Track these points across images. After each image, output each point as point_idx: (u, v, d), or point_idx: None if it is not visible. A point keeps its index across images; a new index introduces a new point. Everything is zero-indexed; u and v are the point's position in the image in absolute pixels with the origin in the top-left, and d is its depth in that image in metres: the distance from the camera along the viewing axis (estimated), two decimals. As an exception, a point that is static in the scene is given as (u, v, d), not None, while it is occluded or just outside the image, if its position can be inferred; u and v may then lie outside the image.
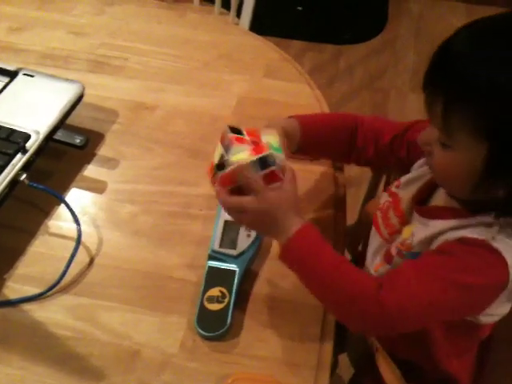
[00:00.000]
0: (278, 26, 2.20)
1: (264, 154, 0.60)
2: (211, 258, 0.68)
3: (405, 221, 0.68)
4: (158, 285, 0.68)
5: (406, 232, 0.66)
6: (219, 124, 0.86)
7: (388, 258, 0.67)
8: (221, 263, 0.68)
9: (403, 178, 0.71)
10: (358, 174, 1.62)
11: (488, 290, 0.57)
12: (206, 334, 0.62)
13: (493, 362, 0.76)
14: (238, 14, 1.33)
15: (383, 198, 0.73)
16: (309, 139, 0.72)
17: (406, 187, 0.70)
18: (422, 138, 0.60)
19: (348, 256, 0.89)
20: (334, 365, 0.63)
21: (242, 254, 0.68)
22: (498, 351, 0.75)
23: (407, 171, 0.71)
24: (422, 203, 0.67)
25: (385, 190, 0.76)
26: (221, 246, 0.69)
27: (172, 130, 0.86)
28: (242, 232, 0.70)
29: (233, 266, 0.67)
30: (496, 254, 0.55)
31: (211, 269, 0.68)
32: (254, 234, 0.70)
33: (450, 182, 0.61)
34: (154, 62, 0.96)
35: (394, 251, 0.66)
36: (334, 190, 0.78)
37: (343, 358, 0.89)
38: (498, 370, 0.77)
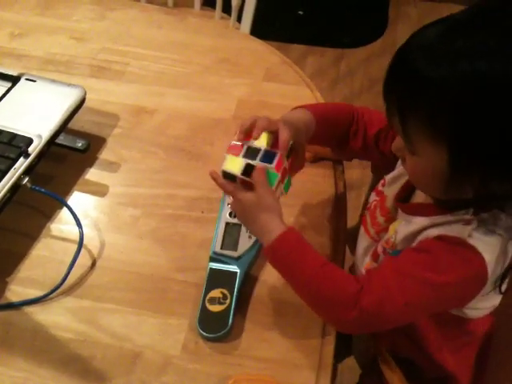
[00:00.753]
0: (278, 31, 2.20)
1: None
2: (213, 259, 0.69)
3: (390, 218, 0.68)
4: (159, 287, 0.68)
5: (391, 229, 0.66)
6: (219, 127, 0.87)
7: (375, 257, 0.68)
8: (222, 265, 0.68)
9: (388, 176, 0.72)
10: (359, 178, 1.63)
11: (464, 286, 0.57)
12: (208, 335, 0.63)
13: (494, 362, 0.76)
14: (239, 18, 1.34)
15: (371, 198, 0.74)
16: (321, 129, 0.71)
17: (390, 185, 0.70)
18: (394, 144, 0.61)
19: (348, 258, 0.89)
20: (334, 373, 0.64)
21: (243, 255, 0.69)
22: (498, 351, 0.75)
23: (392, 169, 0.71)
24: (405, 200, 0.67)
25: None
26: (222, 247, 0.69)
27: (173, 133, 0.86)
28: (244, 234, 0.70)
29: (234, 268, 0.68)
30: (472, 250, 0.55)
31: (213, 271, 0.68)
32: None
33: (423, 185, 0.62)
34: (155, 67, 0.97)
35: (380, 249, 0.67)
36: (334, 192, 0.79)
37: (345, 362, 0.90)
38: (500, 371, 0.77)
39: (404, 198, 0.68)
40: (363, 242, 0.73)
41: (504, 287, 0.60)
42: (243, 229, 0.71)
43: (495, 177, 0.53)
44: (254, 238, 0.70)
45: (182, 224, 0.75)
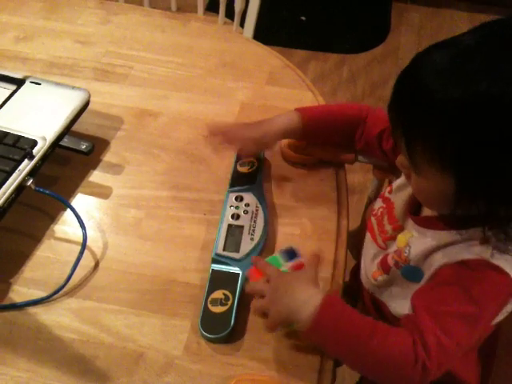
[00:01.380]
0: (281, 36, 2.22)
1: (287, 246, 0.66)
2: (215, 261, 0.69)
3: (398, 227, 0.68)
4: (162, 288, 0.69)
5: (401, 240, 0.66)
6: (223, 130, 0.87)
7: (385, 268, 0.68)
8: (224, 266, 0.68)
9: (395, 184, 0.71)
10: (361, 182, 1.63)
11: (501, 307, 0.58)
12: (210, 336, 0.63)
13: (502, 360, 0.76)
14: (242, 24, 1.35)
15: (377, 204, 0.74)
16: (310, 130, 0.76)
17: (397, 192, 0.70)
18: (398, 160, 0.61)
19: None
20: (334, 375, 0.64)
21: (245, 257, 0.69)
22: (504, 355, 0.75)
23: (394, 167, 0.72)
24: (415, 210, 0.67)
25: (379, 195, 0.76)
26: (224, 249, 0.70)
27: (176, 136, 0.87)
28: (246, 235, 0.71)
29: (236, 269, 0.68)
30: (498, 270, 0.55)
31: (215, 272, 0.68)
32: (257, 237, 0.71)
33: (428, 203, 0.62)
34: (159, 70, 0.98)
35: (390, 261, 0.66)
36: (336, 196, 0.79)
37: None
38: (506, 373, 0.77)
39: (415, 209, 0.67)
40: (370, 249, 0.73)
41: None
42: (245, 231, 0.71)
43: (501, 201, 0.53)
44: (255, 240, 0.71)
45: (184, 226, 0.75)
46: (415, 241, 0.63)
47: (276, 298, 0.60)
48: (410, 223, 0.66)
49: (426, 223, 0.63)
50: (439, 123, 0.51)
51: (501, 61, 0.50)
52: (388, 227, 0.69)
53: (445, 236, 0.59)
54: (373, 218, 0.73)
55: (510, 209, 0.53)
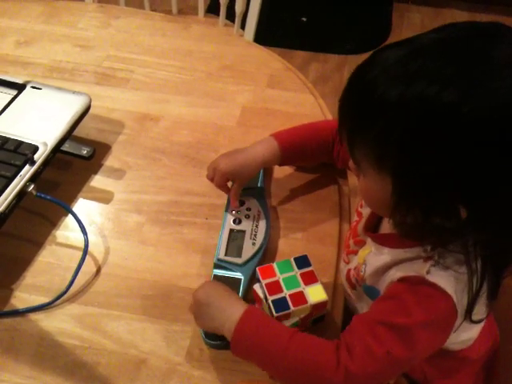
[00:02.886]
0: (282, 37, 2.21)
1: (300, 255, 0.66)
2: (217, 266, 0.69)
3: (359, 242, 0.68)
4: (164, 294, 0.69)
5: (360, 256, 0.66)
6: (224, 133, 0.87)
7: (350, 284, 0.68)
8: (226, 271, 0.68)
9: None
10: (363, 183, 1.63)
11: (436, 322, 0.56)
12: (212, 342, 0.63)
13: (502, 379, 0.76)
14: (243, 25, 1.34)
15: (353, 218, 0.74)
16: (288, 157, 0.76)
17: (365, 207, 0.70)
18: (350, 163, 0.60)
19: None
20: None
21: (247, 262, 0.69)
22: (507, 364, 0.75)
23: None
24: (375, 226, 0.67)
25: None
26: (226, 254, 0.69)
27: (177, 140, 0.87)
28: (248, 240, 0.71)
29: (238, 275, 0.68)
30: (433, 287, 0.54)
31: (217, 277, 0.68)
32: (259, 242, 0.70)
33: (371, 205, 0.63)
34: (159, 74, 0.97)
35: (352, 278, 0.67)
36: (338, 199, 0.79)
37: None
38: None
39: (374, 226, 0.67)
40: (341, 260, 0.72)
41: (476, 317, 0.58)
42: (247, 235, 0.71)
43: (435, 211, 0.52)
44: (257, 245, 0.70)
45: (186, 230, 0.75)
46: (371, 258, 0.63)
47: (199, 311, 0.62)
48: (369, 239, 0.66)
49: (382, 240, 0.63)
50: (376, 121, 0.50)
51: (445, 62, 0.48)
52: (351, 241, 0.70)
53: (398, 253, 0.59)
54: (349, 231, 0.73)
55: (445, 219, 0.51)
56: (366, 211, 0.69)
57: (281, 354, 0.56)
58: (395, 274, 0.58)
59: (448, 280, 0.55)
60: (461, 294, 0.55)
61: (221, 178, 0.73)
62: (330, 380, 0.55)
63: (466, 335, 0.65)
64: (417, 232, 0.55)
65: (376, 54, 0.53)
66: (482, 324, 0.65)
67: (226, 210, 0.74)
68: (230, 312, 0.59)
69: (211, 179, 0.74)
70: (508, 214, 0.51)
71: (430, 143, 0.48)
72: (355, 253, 0.67)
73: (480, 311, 0.59)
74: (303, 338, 0.57)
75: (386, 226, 0.65)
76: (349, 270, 0.68)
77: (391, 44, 0.53)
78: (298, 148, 0.76)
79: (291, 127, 0.78)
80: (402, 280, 0.57)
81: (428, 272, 0.55)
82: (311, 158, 0.78)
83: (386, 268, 0.60)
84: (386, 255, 0.61)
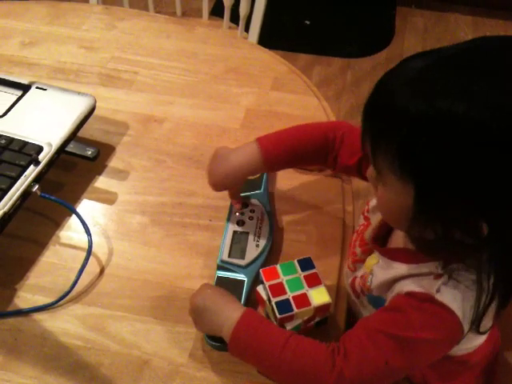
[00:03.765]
0: (285, 40, 2.22)
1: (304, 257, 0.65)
2: (220, 268, 0.69)
3: (367, 250, 0.67)
4: (167, 295, 0.69)
5: (368, 265, 0.65)
6: (227, 136, 0.87)
7: (354, 292, 0.67)
8: (230, 273, 0.68)
9: (371, 203, 0.70)
10: (366, 185, 1.62)
11: (440, 341, 0.56)
12: (215, 343, 0.63)
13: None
14: (247, 28, 1.35)
15: (360, 220, 0.73)
16: (275, 161, 0.72)
17: (374, 212, 0.69)
18: (368, 172, 0.60)
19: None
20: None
21: (250, 264, 0.69)
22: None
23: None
24: (383, 238, 0.66)
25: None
26: (230, 256, 0.69)
27: (181, 142, 0.87)
28: (251, 242, 0.71)
29: (241, 276, 0.68)
30: (441, 306, 0.54)
31: (220, 279, 0.68)
32: (262, 244, 0.71)
33: (388, 217, 0.61)
34: (164, 76, 0.98)
35: (358, 287, 0.66)
36: (341, 202, 0.79)
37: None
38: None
39: (382, 237, 0.67)
40: (345, 266, 0.72)
41: (483, 328, 0.58)
42: (250, 237, 0.71)
43: (457, 225, 0.51)
44: (261, 247, 0.70)
45: (189, 232, 0.75)
46: (378, 270, 0.63)
47: (197, 316, 0.62)
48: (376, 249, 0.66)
49: (392, 255, 0.62)
50: (400, 131, 0.50)
51: (472, 76, 0.48)
52: (358, 249, 0.69)
53: (408, 268, 0.58)
54: (355, 235, 0.72)
55: (465, 235, 0.51)
56: (374, 218, 0.68)
57: (277, 357, 0.57)
58: (403, 287, 0.58)
59: (457, 299, 0.54)
60: (469, 311, 0.55)
61: (214, 190, 0.73)
62: (325, 383, 0.55)
63: (470, 344, 0.65)
64: (434, 247, 0.55)
65: (403, 63, 0.52)
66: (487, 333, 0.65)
67: (228, 220, 0.74)
68: (227, 315, 0.60)
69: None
70: None
71: (455, 157, 0.48)
72: (362, 261, 0.67)
73: (487, 322, 0.58)
74: (299, 342, 0.57)
75: (396, 239, 0.65)
76: (354, 278, 0.67)
77: (419, 53, 0.53)
78: (283, 154, 0.71)
79: (280, 130, 0.74)
80: (409, 294, 0.56)
81: (438, 291, 0.54)
82: (301, 162, 0.77)
83: (394, 281, 0.59)
84: (394, 270, 0.60)
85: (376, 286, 0.62)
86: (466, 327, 0.55)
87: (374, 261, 0.64)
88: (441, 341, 0.56)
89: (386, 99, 0.52)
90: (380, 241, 0.67)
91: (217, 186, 0.73)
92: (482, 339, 0.66)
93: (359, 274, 0.67)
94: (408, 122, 0.49)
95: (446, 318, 0.54)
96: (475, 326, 0.56)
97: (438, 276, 0.55)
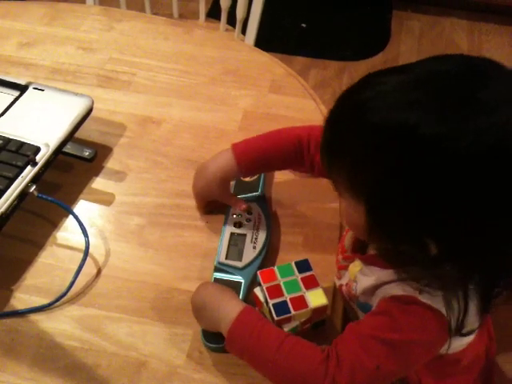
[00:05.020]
0: (282, 43, 2.22)
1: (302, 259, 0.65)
2: (217, 269, 0.69)
3: (348, 258, 0.67)
4: (164, 296, 0.69)
5: (352, 272, 0.65)
6: (225, 138, 0.87)
7: (345, 299, 0.68)
8: (227, 275, 0.68)
9: None
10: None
11: (430, 341, 0.57)
12: (212, 345, 0.63)
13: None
14: (244, 30, 1.35)
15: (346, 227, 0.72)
16: (249, 166, 0.72)
17: None
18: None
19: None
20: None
21: (247, 265, 0.69)
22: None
23: None
24: (362, 245, 0.66)
25: None
26: (227, 257, 0.70)
27: (179, 143, 0.87)
28: (248, 244, 0.71)
29: (239, 278, 0.68)
30: (426, 306, 0.54)
31: (217, 280, 0.68)
32: (259, 246, 0.71)
33: (350, 227, 0.62)
34: (161, 77, 0.98)
35: (346, 295, 0.66)
36: (338, 204, 0.78)
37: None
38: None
39: (361, 245, 0.67)
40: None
41: (466, 329, 0.58)
42: (248, 239, 0.71)
43: (406, 243, 0.52)
44: (258, 249, 0.71)
45: (187, 233, 0.75)
46: (361, 277, 0.63)
47: (197, 315, 0.63)
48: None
49: (372, 261, 0.62)
50: (354, 146, 0.50)
51: (432, 97, 0.47)
52: (339, 257, 0.69)
53: (388, 274, 0.58)
54: (341, 241, 0.72)
55: (416, 252, 0.52)
56: None
57: (270, 358, 0.57)
58: (386, 291, 0.58)
59: (440, 300, 0.54)
60: (450, 313, 0.55)
61: (199, 203, 0.76)
62: None
63: (460, 342, 0.65)
64: (391, 258, 0.56)
65: (370, 78, 0.52)
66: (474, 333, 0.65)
67: (225, 222, 0.74)
68: (226, 311, 0.60)
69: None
70: (489, 247, 0.51)
71: (404, 175, 0.48)
72: (346, 268, 0.67)
73: (471, 323, 0.58)
74: (294, 345, 0.57)
75: (373, 246, 0.65)
76: (340, 286, 0.68)
77: (387, 69, 0.52)
78: (257, 159, 0.72)
79: (254, 136, 0.74)
80: (393, 298, 0.57)
81: (420, 292, 0.55)
82: (276, 167, 0.77)
83: (377, 287, 0.60)
84: (376, 275, 0.60)
85: (360, 292, 0.63)
86: (453, 326, 0.55)
87: (357, 268, 0.64)
88: (429, 341, 0.57)
89: (347, 114, 0.52)
90: (360, 248, 0.67)
91: (198, 197, 0.75)
92: (470, 337, 0.66)
93: (344, 281, 0.67)
94: (361, 138, 0.49)
95: (432, 318, 0.55)
96: (458, 331, 0.56)
97: (417, 279, 0.55)
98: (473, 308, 0.56)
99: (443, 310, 0.54)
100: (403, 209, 0.49)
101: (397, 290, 0.57)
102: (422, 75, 0.50)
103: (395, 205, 0.50)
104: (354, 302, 0.65)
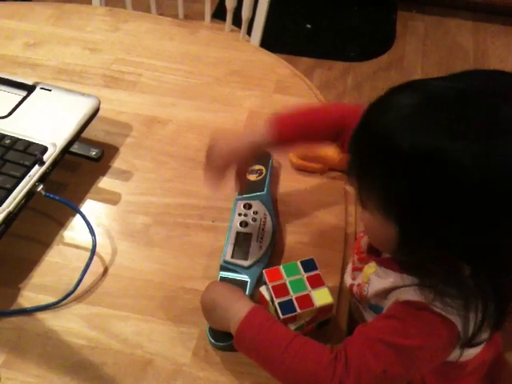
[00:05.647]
0: (287, 43, 2.23)
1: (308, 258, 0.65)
2: (223, 268, 0.69)
3: (363, 259, 0.67)
4: (170, 295, 0.69)
5: (366, 274, 0.65)
6: (231, 138, 0.88)
7: (355, 298, 0.67)
8: (233, 274, 0.69)
9: None
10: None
11: (438, 348, 0.57)
12: (218, 343, 0.63)
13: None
14: (249, 31, 1.36)
15: (361, 227, 0.72)
16: (284, 142, 0.70)
17: None
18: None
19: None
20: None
21: (253, 264, 0.69)
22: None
23: None
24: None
25: None
26: (233, 256, 0.70)
27: (184, 143, 0.87)
28: (254, 243, 0.71)
29: (244, 277, 0.68)
30: (438, 315, 0.54)
31: (223, 279, 0.68)
32: (265, 245, 0.71)
33: (372, 240, 0.62)
34: (167, 78, 0.98)
35: (356, 296, 0.66)
36: (344, 204, 0.79)
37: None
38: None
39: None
40: (347, 271, 0.71)
41: (479, 339, 0.57)
42: (254, 238, 0.72)
43: (433, 261, 0.53)
44: (264, 248, 0.71)
45: (192, 233, 0.76)
46: (375, 279, 0.63)
47: (207, 314, 0.63)
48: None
49: (388, 264, 0.62)
50: (386, 169, 0.50)
51: (459, 117, 0.47)
52: (355, 257, 0.69)
53: (403, 278, 0.58)
54: (355, 242, 0.72)
55: (440, 265, 0.52)
56: None
57: (278, 358, 0.57)
58: (400, 295, 0.58)
59: (453, 309, 0.54)
60: (464, 323, 0.55)
61: (220, 162, 0.69)
62: None
63: (467, 351, 0.65)
64: (414, 270, 0.56)
65: (390, 97, 0.52)
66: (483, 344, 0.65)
67: (231, 221, 0.74)
68: (236, 310, 0.60)
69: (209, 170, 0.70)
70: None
71: (438, 198, 0.48)
72: (360, 270, 0.67)
73: (482, 335, 0.57)
74: (302, 345, 0.57)
75: None
76: (352, 286, 0.67)
77: (405, 86, 0.52)
78: (296, 132, 0.70)
79: (293, 110, 0.72)
80: (405, 302, 0.57)
81: (434, 300, 0.54)
82: (312, 141, 0.74)
83: (390, 290, 0.60)
84: (391, 278, 0.60)
85: (372, 294, 0.62)
86: (463, 336, 0.55)
87: (372, 270, 0.64)
88: (437, 348, 0.57)
89: (374, 135, 0.51)
90: (375, 251, 0.66)
91: (221, 159, 0.68)
92: (478, 348, 0.66)
93: (357, 282, 0.67)
94: (394, 159, 0.49)
95: (442, 326, 0.55)
96: (468, 343, 0.56)
97: (430, 287, 0.55)
98: (486, 322, 0.56)
99: (455, 320, 0.54)
100: (435, 232, 0.50)
101: (410, 294, 0.56)
102: (443, 93, 0.49)
103: (427, 228, 0.50)
104: (365, 302, 0.65)
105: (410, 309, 0.56)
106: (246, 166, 0.72)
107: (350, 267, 0.71)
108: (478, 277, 0.52)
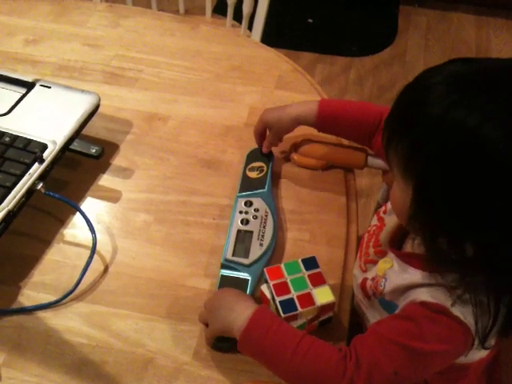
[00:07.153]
0: (288, 38, 2.22)
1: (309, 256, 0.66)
2: (224, 266, 0.69)
3: (380, 252, 0.67)
4: (171, 293, 0.69)
5: (381, 268, 0.64)
6: (231, 134, 0.87)
7: (365, 293, 0.67)
8: (233, 272, 0.68)
9: (388, 205, 0.70)
10: (368, 186, 1.63)
11: (451, 352, 0.57)
12: (219, 343, 0.63)
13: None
14: (250, 26, 1.35)
15: (373, 221, 0.72)
16: (324, 125, 0.78)
17: (391, 214, 0.68)
18: (387, 176, 0.62)
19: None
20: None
21: (254, 262, 0.69)
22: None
23: None
24: (398, 242, 0.66)
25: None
26: (233, 254, 0.70)
27: (185, 140, 0.87)
28: (255, 241, 0.71)
29: (245, 275, 0.68)
30: (456, 319, 0.54)
31: (224, 277, 0.68)
32: (266, 243, 0.71)
33: (394, 209, 0.62)
34: (168, 74, 0.98)
35: (369, 289, 0.65)
36: (345, 201, 0.79)
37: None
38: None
39: (398, 241, 0.66)
40: (356, 267, 0.71)
41: (489, 343, 0.57)
42: (255, 236, 0.71)
43: (443, 238, 0.52)
44: (265, 246, 0.70)
45: (193, 230, 0.75)
46: (392, 274, 0.62)
47: (210, 316, 0.62)
48: (391, 253, 0.65)
49: (408, 259, 0.62)
50: (413, 131, 0.51)
51: (488, 95, 0.48)
52: (371, 250, 0.68)
53: (423, 276, 0.58)
54: (366, 235, 0.72)
55: (451, 249, 0.52)
56: (389, 220, 0.68)
57: (288, 359, 0.56)
58: (417, 295, 0.57)
59: (470, 313, 0.54)
60: (480, 326, 0.55)
61: (258, 125, 0.80)
62: None
63: (473, 355, 0.64)
64: (430, 257, 0.55)
65: (445, 64, 0.53)
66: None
67: (232, 218, 0.73)
68: (240, 311, 0.59)
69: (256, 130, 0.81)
70: None
71: (453, 169, 0.48)
72: (374, 263, 0.66)
73: (492, 339, 0.58)
74: (311, 345, 0.57)
75: (410, 244, 0.64)
76: (365, 279, 0.67)
77: (464, 58, 0.53)
78: (335, 118, 0.77)
79: (345, 100, 0.80)
80: (423, 304, 0.56)
81: (453, 304, 0.54)
82: (346, 132, 0.79)
83: (409, 288, 0.59)
84: (410, 275, 0.59)
85: (389, 290, 0.62)
86: (476, 341, 0.55)
87: (388, 265, 0.63)
88: (450, 353, 0.57)
89: (409, 97, 0.53)
90: (395, 244, 0.66)
91: (267, 123, 0.79)
92: (485, 352, 0.66)
93: (370, 275, 0.66)
94: (421, 125, 0.50)
95: (459, 331, 0.54)
96: (481, 343, 0.56)
97: (452, 288, 0.55)
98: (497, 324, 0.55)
99: (472, 325, 0.54)
100: (448, 201, 0.50)
101: (428, 296, 0.56)
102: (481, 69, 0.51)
103: (441, 195, 0.50)
104: (377, 297, 0.64)
105: (427, 311, 0.55)
106: (282, 134, 0.80)
107: (357, 263, 0.70)
108: (482, 261, 0.51)
